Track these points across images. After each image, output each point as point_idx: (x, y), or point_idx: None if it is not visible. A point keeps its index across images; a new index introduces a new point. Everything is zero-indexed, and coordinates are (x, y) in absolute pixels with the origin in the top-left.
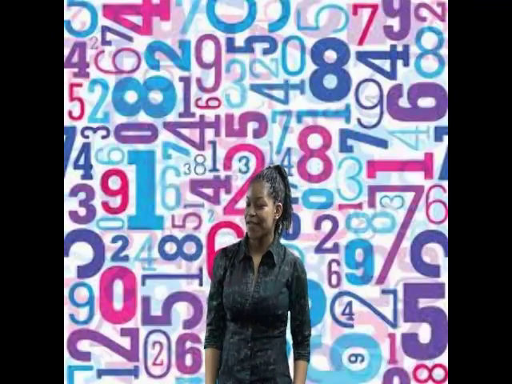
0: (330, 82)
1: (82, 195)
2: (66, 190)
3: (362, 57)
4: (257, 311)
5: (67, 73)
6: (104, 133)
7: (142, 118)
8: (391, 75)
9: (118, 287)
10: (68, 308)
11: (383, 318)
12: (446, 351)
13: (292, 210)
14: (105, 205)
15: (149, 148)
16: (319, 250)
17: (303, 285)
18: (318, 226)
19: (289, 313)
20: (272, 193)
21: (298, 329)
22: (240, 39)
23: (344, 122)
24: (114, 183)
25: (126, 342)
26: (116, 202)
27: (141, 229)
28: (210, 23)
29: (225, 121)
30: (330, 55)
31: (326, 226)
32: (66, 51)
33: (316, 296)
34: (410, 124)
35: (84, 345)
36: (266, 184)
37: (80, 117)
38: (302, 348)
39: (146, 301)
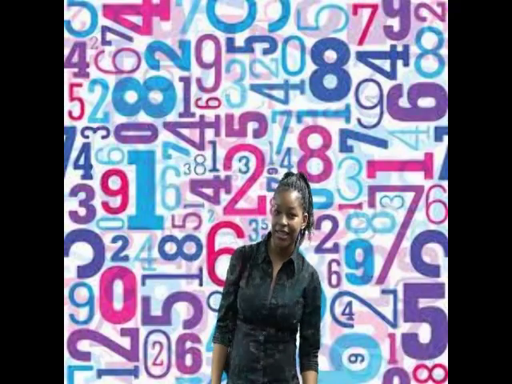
0: (330, 82)
1: (81, 195)
2: (66, 189)
3: (362, 57)
4: (272, 318)
5: (67, 73)
6: (104, 133)
7: (142, 118)
8: (391, 75)
9: (118, 287)
10: (68, 308)
11: (383, 318)
12: (446, 351)
13: (313, 217)
14: (105, 205)
15: (149, 148)
16: (319, 250)
17: (318, 297)
18: (317, 226)
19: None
20: (302, 204)
21: (309, 340)
22: (240, 39)
23: (344, 122)
24: (114, 183)
25: (126, 342)
26: (116, 202)
27: (141, 229)
28: (210, 23)
29: (225, 121)
30: (330, 55)
31: (326, 225)
32: (66, 51)
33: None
34: (410, 124)
35: (84, 345)
36: (297, 194)
37: (80, 117)
38: (311, 358)
39: (146, 301)
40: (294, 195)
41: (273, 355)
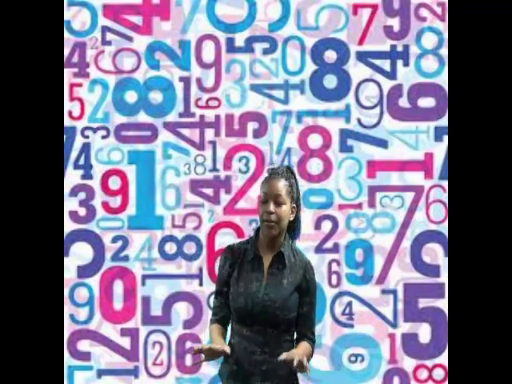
0: (330, 82)
1: (81, 195)
2: (66, 189)
3: (362, 57)
4: (267, 314)
5: (67, 73)
6: (104, 133)
7: (142, 118)
8: (391, 75)
9: (118, 287)
10: (68, 308)
11: (383, 318)
12: (446, 351)
13: (301, 214)
14: (105, 205)
15: (149, 148)
16: (319, 250)
17: (314, 288)
18: (318, 226)
19: None
20: (290, 192)
21: (304, 331)
22: (240, 39)
23: (344, 122)
24: (114, 183)
25: (126, 342)
26: (116, 202)
27: (141, 229)
28: (210, 23)
29: (225, 121)
30: (330, 55)
31: (326, 225)
32: (66, 51)
33: (316, 296)
34: (410, 124)
35: (84, 345)
36: (284, 182)
37: (80, 117)
38: (308, 340)
39: (146, 301)
40: (281, 183)
41: (272, 359)
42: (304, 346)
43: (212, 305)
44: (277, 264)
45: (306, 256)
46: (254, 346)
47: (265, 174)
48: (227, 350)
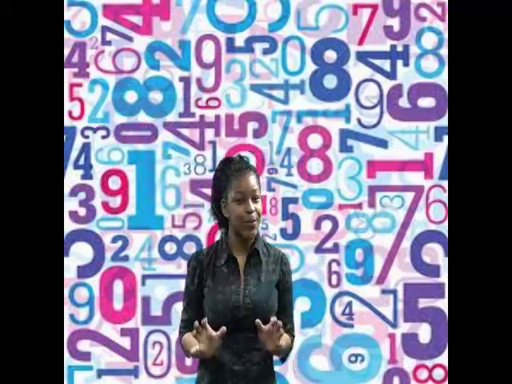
0: (330, 82)
1: (81, 195)
2: (66, 189)
3: (362, 57)
4: (250, 317)
5: (67, 73)
6: (104, 133)
7: (142, 118)
8: (391, 75)
9: (118, 287)
10: (68, 308)
11: (383, 318)
12: (446, 351)
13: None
14: (105, 205)
15: (149, 148)
16: (319, 250)
17: (290, 280)
18: (318, 226)
19: None
20: (259, 184)
21: (284, 323)
22: (240, 39)
23: (344, 122)
24: (114, 183)
25: (126, 342)
26: (116, 202)
27: (141, 229)
28: (210, 23)
29: (225, 121)
30: (330, 55)
31: (326, 225)
32: (66, 51)
33: (316, 296)
34: (410, 124)
35: (84, 345)
36: (254, 175)
37: (80, 117)
38: (289, 334)
39: (146, 301)
40: (253, 176)
41: (254, 367)
42: (286, 337)
43: (180, 318)
44: (253, 263)
45: (277, 248)
46: (235, 357)
47: (228, 167)
48: (220, 331)
